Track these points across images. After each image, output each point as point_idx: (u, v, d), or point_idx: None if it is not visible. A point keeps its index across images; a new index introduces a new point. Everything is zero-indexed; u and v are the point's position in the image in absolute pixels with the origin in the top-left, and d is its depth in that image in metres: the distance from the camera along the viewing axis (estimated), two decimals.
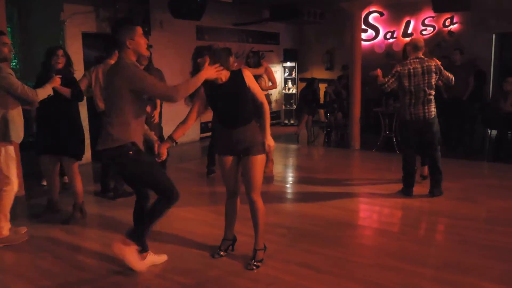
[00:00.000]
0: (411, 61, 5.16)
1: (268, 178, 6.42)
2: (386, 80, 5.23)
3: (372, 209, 5.11)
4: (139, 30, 3.17)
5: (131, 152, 3.14)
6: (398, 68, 5.14)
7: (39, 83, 4.27)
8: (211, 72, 3.18)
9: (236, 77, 3.34)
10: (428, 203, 5.15)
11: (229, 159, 3.47)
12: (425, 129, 5.24)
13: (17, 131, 4.02)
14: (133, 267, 3.34)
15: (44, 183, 5.56)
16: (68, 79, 4.45)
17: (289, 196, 5.83)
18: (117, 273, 3.48)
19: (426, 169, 5.83)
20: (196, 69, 3.26)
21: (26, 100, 3.99)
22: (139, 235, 3.32)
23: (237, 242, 3.77)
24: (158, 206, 3.27)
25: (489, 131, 8.11)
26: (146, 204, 3.45)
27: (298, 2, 10.05)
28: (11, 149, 4.05)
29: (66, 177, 5.72)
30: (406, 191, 5.41)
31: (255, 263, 3.46)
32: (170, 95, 3.13)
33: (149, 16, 8.31)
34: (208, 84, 3.31)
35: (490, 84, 9.60)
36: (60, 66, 4.45)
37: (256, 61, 6.57)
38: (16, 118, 4.01)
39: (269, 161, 6.70)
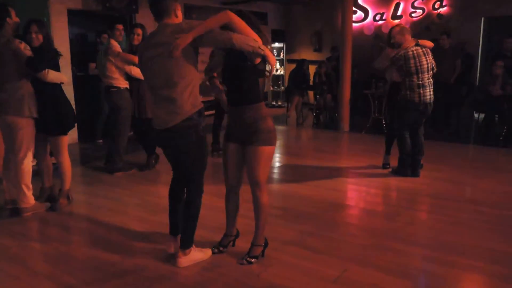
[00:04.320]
0: (410, 44, 5.21)
1: None
2: (378, 61, 5.28)
3: (366, 190, 5.14)
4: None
5: (201, 127, 3.02)
6: (402, 52, 5.16)
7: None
8: (272, 56, 2.96)
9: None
10: (419, 184, 5.22)
11: (232, 146, 3.18)
12: (426, 112, 5.34)
13: (30, 106, 4.14)
14: (206, 258, 3.31)
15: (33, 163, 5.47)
16: (33, 51, 4.11)
17: (280, 177, 5.84)
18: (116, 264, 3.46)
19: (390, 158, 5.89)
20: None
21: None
22: (190, 238, 3.20)
23: (239, 224, 3.62)
24: (194, 199, 3.16)
25: (477, 115, 8.22)
26: (183, 185, 3.27)
27: None
28: (22, 122, 4.14)
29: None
30: (403, 172, 5.47)
31: (248, 258, 3.27)
32: (231, 41, 2.79)
33: None
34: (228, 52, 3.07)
35: (477, 68, 9.69)
36: (36, 43, 4.14)
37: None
38: (29, 94, 4.14)
39: None
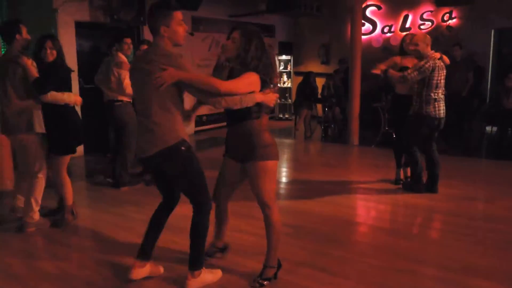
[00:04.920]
0: (436, 56, 4.96)
1: None
2: (409, 72, 4.91)
3: (379, 207, 4.95)
4: (177, 15, 2.82)
5: (183, 148, 2.83)
6: (431, 62, 4.87)
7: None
8: (269, 99, 2.90)
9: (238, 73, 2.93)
10: (433, 201, 5.01)
11: (228, 162, 3.13)
12: (439, 126, 5.13)
13: (40, 122, 4.07)
14: (218, 279, 3.15)
15: None
16: (46, 67, 4.09)
17: (290, 193, 5.66)
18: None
19: (402, 173, 5.68)
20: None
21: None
22: (199, 259, 3.03)
23: (247, 242, 3.47)
24: (201, 220, 2.97)
25: (491, 128, 8.04)
26: (170, 212, 3.18)
27: None
28: (33, 138, 4.07)
29: None
30: (417, 188, 5.26)
31: (260, 280, 3.08)
32: (216, 97, 2.75)
33: (144, 5, 8.04)
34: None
35: (488, 81, 9.53)
36: (50, 59, 4.12)
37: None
38: (38, 110, 4.08)
39: None
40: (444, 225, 4.49)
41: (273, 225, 3.03)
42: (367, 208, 5.04)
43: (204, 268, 3.08)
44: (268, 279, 3.09)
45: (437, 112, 5.01)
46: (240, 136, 2.94)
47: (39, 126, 4.07)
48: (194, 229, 2.98)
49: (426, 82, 4.94)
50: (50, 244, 3.97)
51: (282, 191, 5.70)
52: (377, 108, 8.37)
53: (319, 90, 10.09)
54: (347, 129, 8.63)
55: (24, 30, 4.10)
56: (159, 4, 2.82)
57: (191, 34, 8.88)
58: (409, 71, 4.97)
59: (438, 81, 4.94)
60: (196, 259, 3.02)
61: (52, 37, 4.24)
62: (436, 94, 4.97)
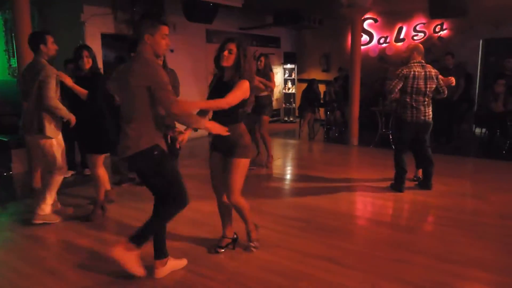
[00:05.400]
0: (415, 64, 4.84)
1: (269, 174, 6.14)
2: (392, 83, 4.86)
3: (382, 203, 4.81)
4: (163, 29, 2.78)
5: (156, 153, 2.77)
6: (404, 71, 4.80)
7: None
8: (217, 129, 2.89)
9: (234, 83, 3.01)
10: (431, 198, 4.89)
11: (217, 155, 3.21)
12: (424, 130, 4.97)
13: (52, 127, 3.99)
14: (134, 272, 2.90)
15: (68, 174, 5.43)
16: (91, 80, 4.14)
17: (297, 189, 5.53)
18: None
19: (421, 172, 5.50)
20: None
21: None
22: (143, 238, 2.87)
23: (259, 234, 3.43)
24: (170, 208, 2.87)
25: (480, 130, 7.89)
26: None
27: (300, 8, 9.77)
28: (48, 141, 3.99)
29: (87, 169, 5.52)
30: (399, 187, 5.13)
31: (252, 244, 3.37)
32: (171, 108, 2.67)
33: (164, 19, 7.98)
34: (217, 77, 3.17)
35: (476, 86, 9.37)
36: (87, 66, 4.15)
37: (267, 63, 6.05)
38: (50, 116, 3.97)
39: (268, 156, 6.41)
40: (438, 219, 4.35)
41: (242, 208, 3.22)
42: (367, 204, 4.90)
43: (139, 253, 2.91)
44: (257, 240, 3.38)
45: (414, 117, 4.85)
46: (225, 136, 2.98)
47: (50, 131, 3.96)
48: (159, 212, 2.88)
49: (402, 88, 4.84)
50: (81, 237, 3.87)
51: (288, 187, 5.60)
52: (375, 111, 8.25)
53: (322, 96, 9.96)
54: (347, 131, 8.51)
55: (49, 41, 3.97)
56: (149, 15, 2.87)
57: (171, 51, 8.95)
58: (391, 81, 4.90)
59: (414, 89, 4.78)
60: (142, 237, 2.87)
61: (87, 47, 4.26)
62: (414, 100, 4.82)
